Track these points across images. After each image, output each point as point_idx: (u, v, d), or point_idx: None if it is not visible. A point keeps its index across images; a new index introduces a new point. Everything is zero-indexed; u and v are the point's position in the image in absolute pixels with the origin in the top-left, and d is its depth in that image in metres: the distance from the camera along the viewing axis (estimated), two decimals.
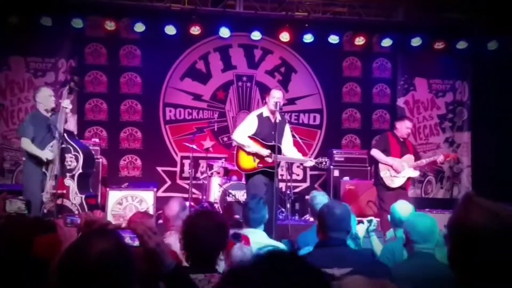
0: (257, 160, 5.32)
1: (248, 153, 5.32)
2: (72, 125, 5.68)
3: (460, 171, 8.77)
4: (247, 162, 5.36)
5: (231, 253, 2.66)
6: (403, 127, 6.27)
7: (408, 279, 2.50)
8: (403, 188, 6.18)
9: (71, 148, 5.40)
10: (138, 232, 1.65)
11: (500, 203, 1.37)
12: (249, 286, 0.92)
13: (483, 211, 1.35)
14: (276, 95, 5.37)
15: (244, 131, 5.40)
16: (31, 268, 1.72)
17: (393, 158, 6.21)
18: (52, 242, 1.79)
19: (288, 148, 5.55)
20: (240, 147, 5.40)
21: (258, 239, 3.44)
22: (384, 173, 6.19)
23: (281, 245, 3.52)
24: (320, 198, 4.19)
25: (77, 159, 5.40)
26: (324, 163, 5.43)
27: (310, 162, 5.54)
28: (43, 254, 1.73)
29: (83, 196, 5.37)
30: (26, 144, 5.32)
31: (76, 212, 5.18)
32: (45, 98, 5.43)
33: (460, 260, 1.38)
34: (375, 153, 6.31)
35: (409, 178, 6.25)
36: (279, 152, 5.23)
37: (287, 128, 5.60)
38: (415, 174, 6.32)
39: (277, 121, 5.37)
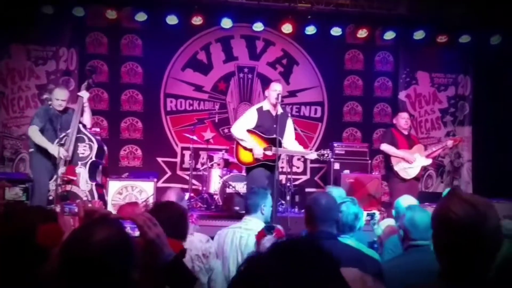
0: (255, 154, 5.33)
1: (245, 148, 5.34)
2: (87, 118, 5.74)
3: (460, 165, 8.77)
4: (247, 156, 5.37)
5: (262, 244, 2.70)
6: (400, 120, 6.45)
7: (405, 273, 2.50)
8: (416, 179, 6.39)
9: (85, 137, 5.63)
10: (139, 223, 1.65)
11: (477, 196, 1.56)
12: (268, 274, 0.93)
13: (462, 203, 1.52)
14: (277, 88, 5.36)
15: (242, 125, 5.41)
16: (34, 255, 1.72)
17: (403, 150, 6.34)
18: (54, 231, 1.80)
19: (290, 141, 5.55)
20: (237, 141, 5.41)
21: (251, 226, 3.47)
22: (398, 166, 6.32)
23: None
24: (337, 192, 4.21)
25: (90, 148, 5.62)
26: (326, 155, 5.42)
27: (312, 155, 5.54)
28: (45, 242, 1.74)
29: (94, 183, 5.54)
30: (34, 133, 5.40)
31: (85, 198, 5.28)
32: (58, 98, 5.55)
33: (443, 247, 1.56)
34: (386, 147, 6.41)
35: (422, 167, 6.40)
36: (280, 145, 5.23)
37: (290, 121, 5.60)
38: (428, 162, 6.47)
39: (279, 113, 5.33)
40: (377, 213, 4.12)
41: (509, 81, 8.04)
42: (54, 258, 1.59)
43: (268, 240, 2.82)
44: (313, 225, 2.65)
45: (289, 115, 5.76)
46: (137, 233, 1.68)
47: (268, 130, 5.33)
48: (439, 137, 8.69)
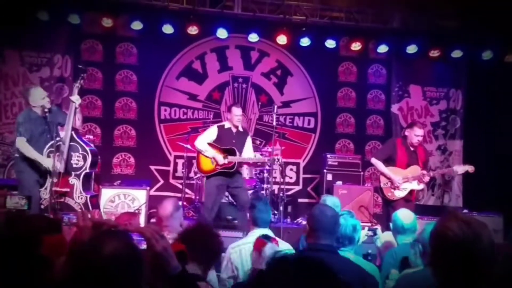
0: (215, 163, 6.10)
1: (207, 157, 6.14)
2: (79, 122, 5.58)
3: (451, 178, 8.83)
4: (207, 165, 6.16)
5: (263, 251, 2.70)
6: (413, 135, 6.03)
7: (425, 286, 2.52)
8: (407, 200, 6.03)
9: (79, 147, 5.44)
10: (146, 236, 1.65)
11: (473, 216, 1.73)
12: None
13: (459, 222, 1.64)
14: (238, 113, 6.24)
15: (204, 138, 6.23)
16: (38, 266, 1.72)
17: (395, 169, 6.05)
18: (59, 242, 1.80)
19: (248, 154, 6.34)
20: (200, 152, 6.19)
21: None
22: (384, 183, 6.10)
23: (289, 246, 3.54)
24: (332, 201, 4.23)
25: (85, 159, 5.44)
26: (276, 160, 6.19)
27: (259, 156, 6.44)
28: (50, 253, 1.74)
29: (88, 196, 5.39)
30: (24, 146, 5.22)
31: (79, 210, 5.16)
32: (38, 100, 5.33)
33: (440, 263, 1.66)
34: (375, 162, 6.21)
35: (413, 190, 6.10)
36: (234, 154, 6.11)
37: (249, 138, 6.46)
38: (419, 187, 6.16)
39: (239, 130, 6.31)
40: (379, 228, 4.17)
41: (500, 96, 8.15)
42: (60, 269, 1.59)
43: (270, 248, 2.83)
44: (314, 237, 2.66)
45: (248, 133, 6.66)
46: (144, 246, 1.68)
47: (227, 144, 6.17)
48: (431, 150, 8.75)
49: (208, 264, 2.48)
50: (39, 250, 1.80)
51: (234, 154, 6.13)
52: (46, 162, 5.22)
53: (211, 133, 6.27)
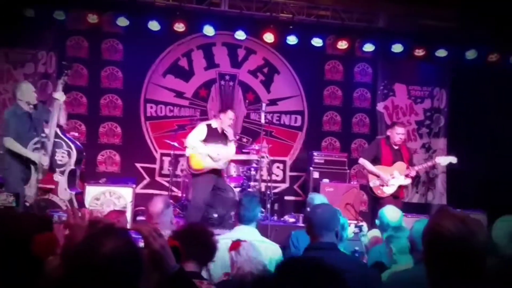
0: (206, 160, 6.15)
1: (199, 154, 6.16)
2: (63, 119, 5.54)
3: (435, 176, 8.96)
4: (197, 163, 6.19)
5: (239, 252, 2.71)
6: (394, 134, 6.29)
7: (416, 284, 2.54)
8: (395, 196, 6.22)
9: (63, 143, 5.40)
10: (144, 233, 1.65)
11: (471, 211, 1.62)
12: None
13: (454, 219, 1.63)
14: (232, 117, 6.43)
15: (195, 136, 6.23)
16: (29, 265, 1.70)
17: (381, 167, 6.26)
18: (51, 240, 1.78)
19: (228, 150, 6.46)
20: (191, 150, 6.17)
21: (247, 236, 3.46)
22: (373, 182, 6.27)
23: (274, 244, 3.54)
24: (319, 199, 4.25)
25: (69, 155, 5.41)
26: (265, 156, 6.43)
27: (251, 156, 6.74)
28: (40, 252, 1.72)
29: (74, 193, 5.35)
30: (12, 144, 5.19)
31: (65, 208, 5.12)
32: (27, 95, 5.31)
33: (434, 261, 1.64)
34: (362, 162, 6.42)
35: (401, 186, 6.28)
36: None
37: (233, 145, 6.60)
38: (406, 182, 6.34)
39: (224, 132, 6.42)
40: (364, 225, 4.21)
41: (483, 95, 8.28)
42: (55, 268, 1.57)
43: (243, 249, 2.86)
44: (314, 235, 2.68)
45: (233, 138, 6.76)
46: (141, 244, 1.67)
47: (213, 143, 6.25)
48: (415, 149, 8.86)
49: (205, 262, 2.49)
50: (30, 248, 1.78)
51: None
52: (35, 156, 5.17)
53: (201, 131, 6.30)
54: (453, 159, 6.42)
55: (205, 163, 6.21)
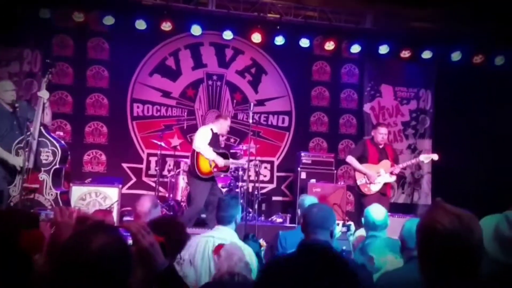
0: (213, 165, 6.21)
1: (206, 158, 6.18)
2: (48, 118, 5.45)
3: (420, 177, 9.04)
4: (205, 167, 6.21)
5: (220, 254, 2.72)
6: (378, 135, 6.54)
7: (406, 283, 2.54)
8: (382, 193, 6.42)
9: (48, 142, 5.31)
10: (132, 231, 1.63)
11: (461, 208, 1.62)
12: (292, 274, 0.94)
13: (449, 215, 1.58)
14: (229, 123, 6.56)
15: (204, 140, 6.27)
16: (16, 262, 1.67)
17: (368, 165, 6.43)
18: (37, 237, 1.75)
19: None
20: (199, 153, 6.19)
21: (223, 236, 3.47)
22: (360, 180, 6.45)
23: (248, 248, 3.53)
24: (310, 200, 4.26)
25: (54, 154, 5.31)
26: (258, 165, 6.58)
27: (242, 161, 6.68)
28: (28, 248, 1.69)
29: (58, 192, 5.28)
30: None
31: (50, 207, 5.05)
32: (3, 92, 5.19)
33: (429, 258, 1.60)
34: (350, 160, 6.59)
35: (386, 184, 6.47)
36: (227, 158, 6.39)
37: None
38: (391, 179, 6.54)
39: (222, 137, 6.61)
40: (352, 224, 4.23)
41: (468, 96, 8.38)
42: (43, 265, 1.55)
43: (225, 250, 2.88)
44: (308, 233, 2.67)
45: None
46: (129, 242, 1.65)
47: (216, 148, 6.33)
48: (401, 149, 8.94)
49: (175, 254, 2.49)
50: (17, 245, 1.76)
51: (227, 158, 6.38)
52: (15, 160, 5.07)
53: (208, 135, 6.32)
54: (434, 156, 6.66)
55: (210, 167, 6.26)
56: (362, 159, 6.54)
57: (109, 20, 7.50)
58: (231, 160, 6.45)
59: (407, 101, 9.17)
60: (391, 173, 6.44)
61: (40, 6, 7.13)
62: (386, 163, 6.49)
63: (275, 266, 1.01)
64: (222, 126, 6.42)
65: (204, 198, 6.21)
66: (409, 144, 9.11)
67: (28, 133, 5.11)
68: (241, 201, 6.67)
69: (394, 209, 7.66)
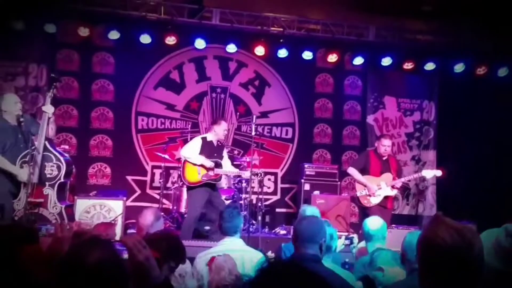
0: (202, 173, 6.12)
1: (195, 165, 6.11)
2: (53, 132, 5.49)
3: (425, 188, 9.01)
4: (193, 176, 6.13)
5: (216, 264, 2.72)
6: (380, 146, 6.47)
7: None
8: (383, 206, 6.34)
9: (52, 156, 5.35)
10: (128, 245, 1.65)
11: (461, 222, 1.61)
12: None
13: (449, 229, 1.57)
14: (226, 127, 6.44)
15: (190, 148, 6.21)
16: (15, 277, 1.69)
17: (369, 177, 6.38)
18: (37, 252, 1.77)
19: (227, 165, 6.45)
20: (186, 161, 6.14)
21: (232, 246, 3.48)
22: (360, 192, 6.40)
23: (258, 253, 3.55)
24: (311, 210, 4.26)
25: (59, 168, 5.35)
26: (259, 174, 6.33)
27: (246, 174, 6.42)
28: (27, 263, 1.71)
29: (63, 206, 5.31)
30: None
31: (54, 221, 5.07)
32: (10, 105, 5.22)
33: (429, 271, 1.59)
34: (351, 171, 6.54)
35: (387, 197, 6.40)
36: (219, 167, 6.24)
37: (225, 151, 6.60)
38: (392, 193, 6.46)
39: (219, 143, 6.39)
40: (355, 236, 4.23)
41: (471, 107, 8.38)
42: (38, 279, 1.57)
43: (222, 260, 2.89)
44: (298, 246, 2.67)
45: (225, 145, 6.77)
46: (125, 256, 1.67)
47: (209, 157, 6.19)
48: (405, 161, 8.93)
49: (172, 268, 2.50)
50: (16, 260, 1.77)
51: (220, 167, 6.24)
52: (20, 173, 5.10)
53: (196, 144, 6.24)
54: (437, 172, 6.61)
55: (199, 176, 6.14)
56: (364, 171, 6.49)
57: (114, 35, 7.60)
58: (223, 169, 6.29)
59: (411, 112, 9.19)
60: (393, 186, 6.37)
61: (46, 21, 7.23)
62: (387, 176, 6.43)
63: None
64: (217, 131, 6.29)
65: (198, 207, 6.17)
66: (413, 155, 9.11)
67: (33, 147, 5.14)
68: (244, 212, 6.75)
69: (399, 220, 7.64)
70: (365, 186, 6.36)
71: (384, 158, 6.51)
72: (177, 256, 2.52)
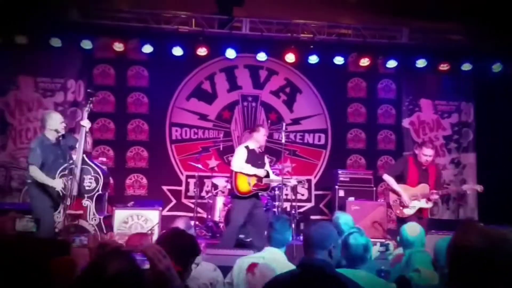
0: (253, 183, 6.08)
1: (248, 175, 6.07)
2: (89, 145, 5.71)
3: (465, 192, 8.72)
4: (244, 186, 6.09)
5: (254, 273, 2.71)
6: (421, 155, 6.10)
7: None
8: (419, 217, 6.04)
9: (90, 169, 5.53)
10: (149, 255, 1.68)
11: (492, 226, 1.62)
12: None
13: (477, 233, 1.58)
14: (265, 133, 6.40)
15: (240, 159, 6.17)
16: None
17: (405, 187, 6.12)
18: (68, 264, 1.83)
19: (272, 175, 6.39)
20: (238, 173, 6.09)
21: (273, 257, 3.44)
22: (394, 201, 6.18)
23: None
24: (345, 218, 4.21)
25: (97, 181, 5.53)
26: (303, 181, 6.27)
27: (292, 181, 6.39)
28: (59, 276, 1.77)
29: (102, 217, 5.48)
30: (35, 171, 5.27)
31: (93, 232, 5.24)
32: (55, 124, 5.42)
33: (458, 276, 1.60)
34: (386, 178, 6.28)
35: (422, 209, 6.12)
36: (267, 176, 6.23)
37: (266, 158, 6.55)
38: (427, 206, 6.16)
39: (260, 150, 6.36)
40: (391, 243, 4.14)
41: (510, 107, 8.09)
42: None
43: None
44: (307, 251, 2.64)
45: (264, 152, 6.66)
46: (147, 266, 1.71)
47: (254, 165, 6.16)
48: (444, 164, 8.70)
49: (187, 265, 2.47)
50: (47, 272, 1.83)
51: (268, 176, 6.24)
52: (57, 184, 5.27)
53: (243, 154, 6.21)
54: (479, 188, 6.33)
55: (249, 186, 6.12)
56: (400, 178, 6.21)
57: (147, 49, 7.79)
58: (270, 179, 6.27)
59: (448, 114, 8.96)
60: (428, 199, 6.06)
61: (82, 38, 7.49)
62: (424, 187, 6.09)
63: None
64: (258, 138, 6.28)
65: (242, 217, 6.14)
66: (452, 158, 8.86)
67: (71, 161, 5.33)
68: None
69: (438, 226, 7.40)
70: (399, 195, 6.12)
71: (423, 168, 6.16)
72: (190, 254, 2.48)
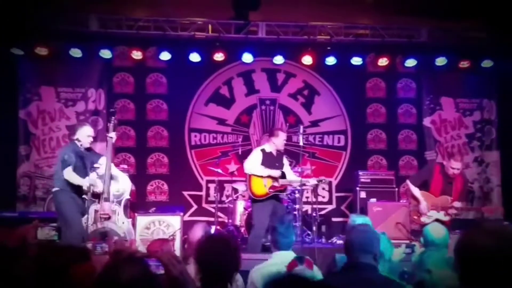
0: (268, 185, 6.07)
1: (261, 177, 6.07)
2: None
3: (490, 190, 8.57)
4: (259, 189, 6.09)
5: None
6: (449, 168, 6.12)
7: None
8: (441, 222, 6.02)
9: (118, 176, 5.81)
10: (163, 261, 1.70)
11: (504, 226, 1.54)
12: None
13: (484, 232, 1.59)
14: (285, 137, 6.36)
15: (253, 162, 6.19)
16: None
17: (427, 195, 6.12)
18: (88, 270, 1.86)
19: (289, 174, 6.36)
20: (252, 175, 6.09)
21: (287, 260, 3.44)
22: (413, 206, 6.22)
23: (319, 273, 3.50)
24: (362, 221, 4.19)
25: (124, 187, 5.79)
26: (323, 180, 6.34)
27: (312, 181, 6.33)
28: (79, 282, 1.80)
29: (130, 221, 5.70)
30: (69, 174, 5.45)
31: (123, 235, 5.40)
32: (83, 137, 5.64)
33: (467, 277, 1.60)
34: (409, 185, 6.36)
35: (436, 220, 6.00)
36: (283, 177, 6.19)
37: (286, 160, 6.48)
38: (445, 218, 6.10)
39: (278, 152, 6.32)
40: (417, 245, 4.09)
41: None
42: None
43: (300, 270, 2.85)
44: (351, 256, 2.64)
45: (283, 153, 6.52)
46: (161, 271, 1.73)
47: (270, 167, 6.15)
48: (467, 163, 8.54)
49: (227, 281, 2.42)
50: (67, 279, 1.85)
51: (284, 177, 6.20)
52: (86, 181, 5.40)
53: (257, 157, 6.23)
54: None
55: (265, 188, 6.10)
56: (425, 185, 6.24)
57: (165, 56, 7.88)
58: (287, 179, 6.23)
59: (470, 112, 8.81)
60: (446, 212, 6.06)
61: (101, 48, 7.62)
62: (445, 199, 6.09)
63: None
64: (276, 143, 6.26)
65: (265, 221, 6.05)
66: (475, 156, 8.71)
67: (97, 169, 5.54)
68: (298, 223, 6.71)
69: (463, 225, 7.28)
70: (418, 202, 6.11)
71: (449, 179, 6.15)
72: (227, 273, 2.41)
